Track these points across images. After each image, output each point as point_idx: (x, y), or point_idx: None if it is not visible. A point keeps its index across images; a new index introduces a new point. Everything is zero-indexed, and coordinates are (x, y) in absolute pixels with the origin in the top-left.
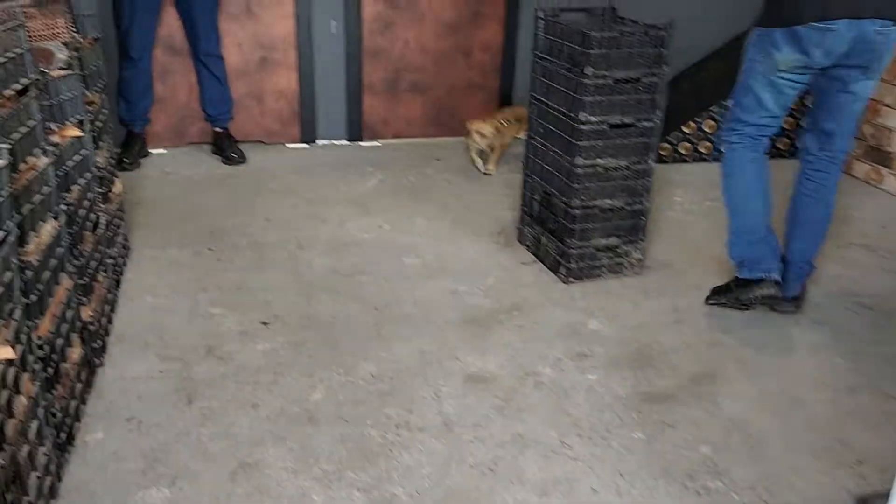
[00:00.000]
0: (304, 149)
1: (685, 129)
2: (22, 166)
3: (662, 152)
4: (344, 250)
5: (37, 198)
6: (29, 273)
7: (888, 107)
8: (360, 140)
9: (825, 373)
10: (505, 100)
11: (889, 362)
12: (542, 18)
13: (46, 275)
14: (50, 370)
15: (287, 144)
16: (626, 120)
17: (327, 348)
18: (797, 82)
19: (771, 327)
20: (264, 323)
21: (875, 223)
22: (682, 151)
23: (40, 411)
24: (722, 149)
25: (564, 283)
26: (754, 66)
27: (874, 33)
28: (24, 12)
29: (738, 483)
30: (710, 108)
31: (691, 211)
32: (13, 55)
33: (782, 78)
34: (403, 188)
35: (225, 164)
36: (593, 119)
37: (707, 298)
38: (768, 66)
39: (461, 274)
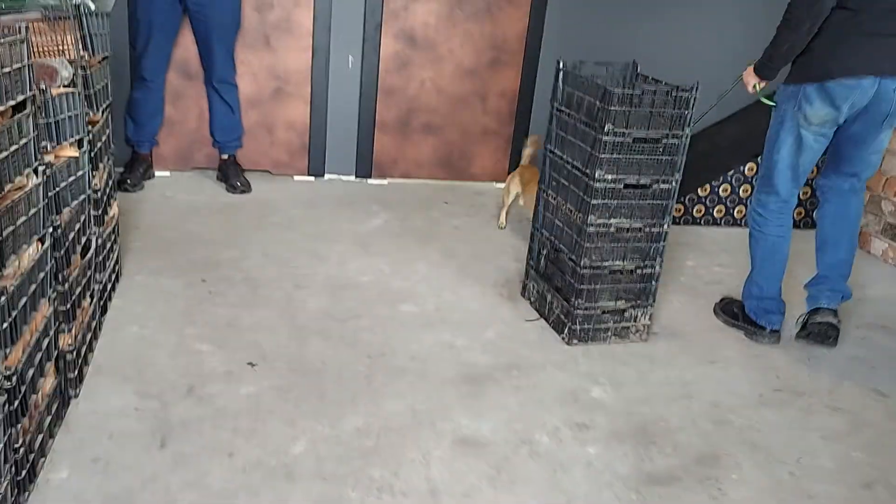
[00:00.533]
0: (310, 182)
1: (700, 192)
2: (8, 186)
3: (675, 214)
4: (341, 292)
5: (21, 219)
6: (2, 299)
7: None
8: (368, 177)
9: (840, 464)
10: (517, 146)
11: None
12: (563, 70)
13: (23, 301)
14: (16, 402)
15: (294, 177)
16: (643, 181)
17: (314, 397)
18: (823, 136)
19: (784, 409)
20: (251, 364)
21: (892, 303)
22: (696, 214)
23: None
24: (756, 209)
25: (567, 344)
26: (784, 122)
27: (893, 91)
28: (32, 27)
29: None
30: (728, 172)
31: (702, 277)
32: (10, 70)
33: (811, 132)
34: (408, 230)
35: (229, 192)
36: (609, 177)
37: (717, 306)
38: (800, 120)
39: (460, 326)
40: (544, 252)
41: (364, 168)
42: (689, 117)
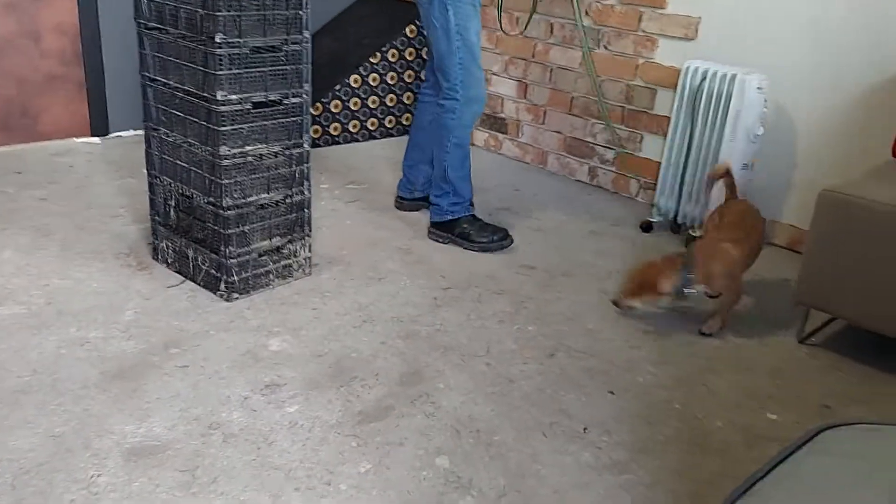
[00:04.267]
0: None
1: (313, 111)
2: None
3: None
4: None
5: None
6: None
7: (496, 75)
8: None
9: (522, 342)
10: (95, 90)
11: (567, 318)
12: None
13: None
14: None
15: None
16: (272, 97)
17: None
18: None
19: (459, 305)
20: None
21: (508, 187)
22: (314, 135)
23: None
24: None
25: (227, 300)
26: None
27: None
28: None
29: (489, 494)
30: (335, 87)
31: (340, 197)
32: None
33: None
34: None
35: None
36: (233, 98)
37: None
38: None
39: (87, 315)
40: (172, 203)
41: None
42: (306, 18)
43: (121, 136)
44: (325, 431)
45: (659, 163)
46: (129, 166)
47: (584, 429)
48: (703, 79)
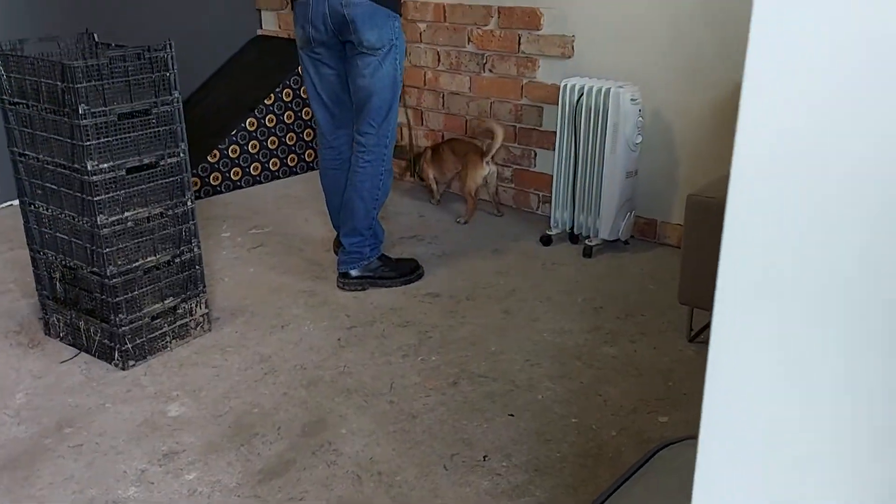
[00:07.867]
0: None
1: (210, 159)
2: None
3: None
4: None
5: None
6: None
7: None
8: None
9: (426, 374)
10: None
11: (470, 343)
12: None
13: None
14: None
15: None
16: (147, 160)
17: None
18: (320, 62)
19: (363, 343)
20: None
21: (413, 215)
22: (214, 182)
23: None
24: None
25: (123, 369)
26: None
27: (339, 5)
28: None
29: None
30: (232, 133)
31: (243, 245)
32: None
33: (309, 57)
34: None
35: None
36: (105, 166)
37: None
38: (299, 46)
39: None
40: (57, 275)
41: None
42: (174, 78)
43: (12, 205)
44: (225, 496)
45: (552, 176)
46: (19, 237)
47: (484, 457)
48: (581, 95)
